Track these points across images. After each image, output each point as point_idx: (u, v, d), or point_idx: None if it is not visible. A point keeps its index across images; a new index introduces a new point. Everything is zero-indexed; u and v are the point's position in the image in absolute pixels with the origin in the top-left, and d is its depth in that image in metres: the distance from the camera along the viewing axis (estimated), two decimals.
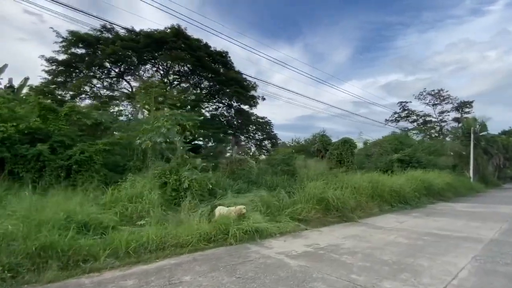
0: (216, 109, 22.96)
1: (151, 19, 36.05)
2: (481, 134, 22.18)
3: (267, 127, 28.13)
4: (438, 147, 18.05)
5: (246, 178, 10.08)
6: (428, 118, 38.73)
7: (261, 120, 28.09)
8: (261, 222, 5.62)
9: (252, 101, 25.79)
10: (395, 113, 39.84)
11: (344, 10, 57.96)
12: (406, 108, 39.65)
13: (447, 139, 26.44)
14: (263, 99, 26.16)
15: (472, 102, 34.47)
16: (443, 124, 36.96)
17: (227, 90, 20.55)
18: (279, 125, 54.82)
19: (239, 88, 19.82)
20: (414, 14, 58.81)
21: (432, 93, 37.12)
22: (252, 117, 27.83)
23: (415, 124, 39.42)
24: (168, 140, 8.69)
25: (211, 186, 7.58)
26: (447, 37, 68.25)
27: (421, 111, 38.62)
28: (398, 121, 40.41)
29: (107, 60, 17.88)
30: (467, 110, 33.93)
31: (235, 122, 23.07)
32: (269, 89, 64.72)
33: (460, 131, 22.81)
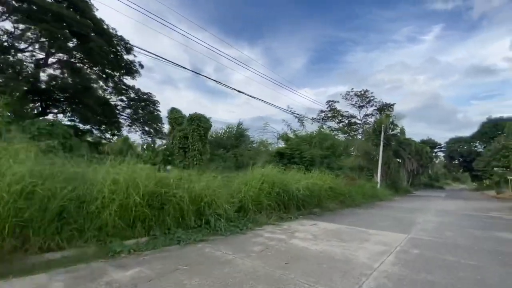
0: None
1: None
2: (392, 133, 19.16)
3: (151, 106, 21.73)
4: (333, 141, 14.01)
5: None
6: (353, 120, 36.92)
7: (142, 96, 21.56)
8: None
9: (129, 68, 19.18)
10: (321, 111, 37.14)
11: (304, 20, 56.66)
12: (333, 107, 37.29)
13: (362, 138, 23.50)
14: (141, 66, 19.88)
15: (393, 104, 33.02)
16: (366, 126, 35.22)
17: (59, 36, 13.57)
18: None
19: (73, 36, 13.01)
20: (363, 34, 60.61)
21: (359, 93, 35.15)
22: (132, 91, 21.24)
23: (341, 124, 37.33)
24: None
25: None
26: (387, 59, 72.97)
27: (346, 111, 36.68)
28: (325, 120, 37.89)
29: None
30: (388, 112, 32.29)
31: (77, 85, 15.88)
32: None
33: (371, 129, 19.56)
